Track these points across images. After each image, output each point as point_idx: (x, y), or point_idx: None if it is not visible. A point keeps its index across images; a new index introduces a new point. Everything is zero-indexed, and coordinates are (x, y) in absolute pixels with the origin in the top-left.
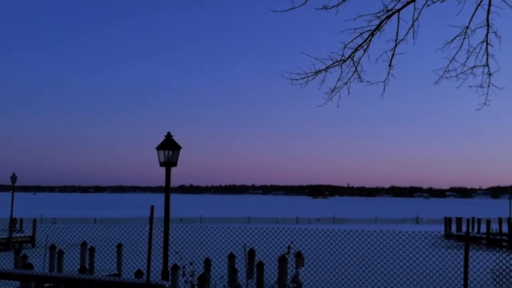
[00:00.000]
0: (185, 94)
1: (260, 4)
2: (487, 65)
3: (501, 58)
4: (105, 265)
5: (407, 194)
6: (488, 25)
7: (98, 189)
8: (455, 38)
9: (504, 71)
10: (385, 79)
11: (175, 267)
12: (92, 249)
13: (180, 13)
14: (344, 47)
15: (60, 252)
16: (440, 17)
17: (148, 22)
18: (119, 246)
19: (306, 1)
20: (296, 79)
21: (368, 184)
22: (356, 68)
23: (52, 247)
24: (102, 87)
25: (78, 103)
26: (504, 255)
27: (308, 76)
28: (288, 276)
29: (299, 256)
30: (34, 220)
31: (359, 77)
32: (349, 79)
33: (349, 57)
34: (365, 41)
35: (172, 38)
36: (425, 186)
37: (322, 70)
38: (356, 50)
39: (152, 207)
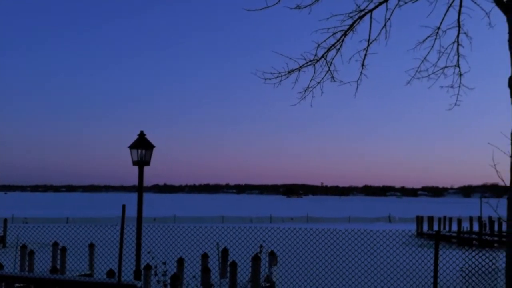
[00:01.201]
0: (158, 93)
1: (234, 3)
2: (458, 65)
3: (472, 59)
4: (77, 265)
5: (380, 193)
6: (459, 26)
7: (70, 188)
8: (426, 38)
9: (474, 72)
10: (358, 79)
11: (148, 267)
12: (63, 249)
13: (154, 14)
14: (317, 47)
15: (31, 252)
16: (412, 17)
17: (123, 23)
18: (91, 246)
19: (279, 0)
20: (270, 79)
21: (342, 184)
22: (329, 67)
23: (23, 247)
24: (75, 87)
25: (50, 102)
26: (473, 253)
27: (282, 76)
28: (262, 276)
29: (272, 255)
30: (5, 220)
31: (332, 77)
32: (322, 78)
33: (322, 56)
34: (338, 41)
35: (146, 38)
36: (398, 185)
37: (296, 69)
38: (329, 49)
39: (123, 206)
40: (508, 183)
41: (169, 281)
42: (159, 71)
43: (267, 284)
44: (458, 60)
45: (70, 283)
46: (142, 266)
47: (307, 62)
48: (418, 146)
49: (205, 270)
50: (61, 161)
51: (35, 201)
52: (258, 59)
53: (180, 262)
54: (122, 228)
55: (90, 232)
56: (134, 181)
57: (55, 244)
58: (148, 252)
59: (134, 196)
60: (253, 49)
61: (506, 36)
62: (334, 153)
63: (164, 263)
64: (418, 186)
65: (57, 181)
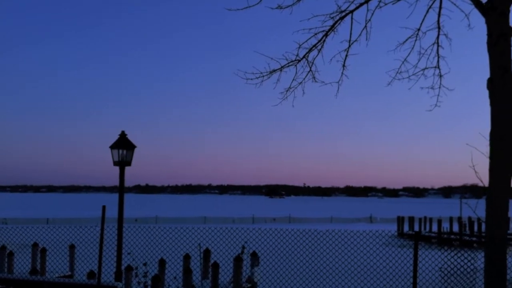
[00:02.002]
0: (140, 94)
1: (215, 2)
2: (438, 67)
3: (452, 60)
4: (57, 266)
5: (362, 194)
6: (439, 28)
7: (51, 188)
8: (407, 39)
9: (454, 73)
10: (339, 80)
11: (129, 268)
12: (43, 250)
13: (135, 12)
14: (299, 47)
15: (11, 254)
16: (393, 19)
17: (104, 23)
18: (72, 247)
19: (260, 0)
20: (251, 79)
21: (324, 184)
22: (310, 68)
23: (2, 248)
24: (56, 86)
25: (30, 102)
26: (452, 253)
27: (263, 76)
28: (244, 276)
29: (254, 256)
30: None
31: (314, 77)
32: (304, 79)
33: (304, 57)
34: (319, 41)
35: (126, 38)
36: (379, 185)
37: (277, 69)
38: (310, 50)
39: (103, 207)
40: (487, 184)
41: (150, 282)
42: (141, 71)
43: (249, 285)
44: (438, 61)
45: (50, 285)
46: (123, 267)
47: (288, 63)
48: (399, 147)
49: (187, 271)
50: (41, 161)
51: (14, 202)
52: (240, 59)
53: (162, 263)
54: (102, 229)
55: (71, 233)
56: (115, 182)
57: (35, 245)
58: (129, 253)
59: (115, 196)
60: (235, 49)
61: (485, 38)
62: (316, 153)
63: (145, 264)
64: (399, 186)
65: (37, 182)
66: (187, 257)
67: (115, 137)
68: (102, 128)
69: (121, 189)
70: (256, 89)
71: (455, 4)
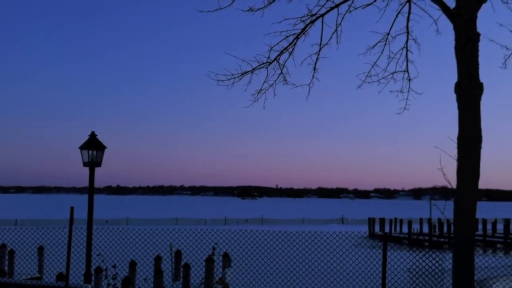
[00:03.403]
0: (110, 94)
1: (187, 3)
2: (407, 71)
3: (420, 65)
4: (26, 268)
5: (334, 195)
6: (408, 32)
7: (19, 189)
8: (376, 44)
9: (423, 77)
10: (310, 82)
11: (99, 270)
12: (11, 252)
13: (107, 13)
14: (270, 50)
15: None
16: (363, 23)
17: (76, 23)
18: (40, 249)
19: (232, 2)
20: (223, 80)
21: (296, 185)
22: (281, 70)
23: None
24: (24, 85)
25: None
26: (420, 254)
27: (235, 78)
28: (215, 277)
29: (226, 257)
30: None
31: (285, 80)
32: (275, 81)
33: (275, 59)
34: (290, 44)
35: (96, 39)
36: (351, 187)
37: (249, 71)
38: (281, 52)
39: (71, 208)
40: (455, 186)
41: (120, 284)
42: (112, 71)
43: (221, 286)
44: (407, 65)
45: (18, 287)
46: (93, 269)
47: (260, 65)
48: (370, 149)
49: (158, 273)
50: (9, 161)
51: None
52: (212, 61)
53: (132, 264)
54: (70, 230)
55: (40, 234)
56: (86, 183)
57: (3, 247)
58: (98, 255)
59: (86, 197)
60: (206, 51)
61: (453, 43)
62: (289, 155)
63: (114, 266)
64: (371, 188)
65: (5, 182)
66: (158, 259)
67: (85, 137)
68: (72, 129)
69: (91, 190)
70: (228, 91)
71: (423, 10)
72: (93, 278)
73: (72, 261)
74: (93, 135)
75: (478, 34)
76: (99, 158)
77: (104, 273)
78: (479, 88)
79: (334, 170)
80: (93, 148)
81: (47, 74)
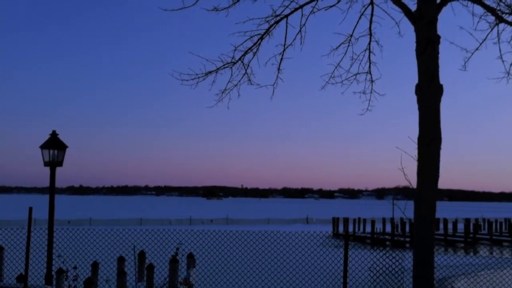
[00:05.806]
0: (73, 93)
1: (150, 2)
2: (369, 72)
3: (383, 66)
4: None
5: (299, 195)
6: (370, 34)
7: None
8: (340, 45)
9: (385, 79)
10: (274, 83)
11: (61, 271)
12: None
13: (73, 15)
14: (235, 50)
15: None
16: (326, 24)
17: (42, 25)
18: (0, 249)
19: (196, 2)
20: (187, 80)
21: (261, 186)
22: (246, 70)
23: None
24: None
25: None
26: (381, 253)
27: (199, 77)
28: (180, 278)
29: (190, 257)
30: None
31: (249, 80)
32: (239, 81)
33: (240, 59)
34: (254, 44)
35: (60, 39)
36: (316, 187)
37: (213, 71)
38: (246, 53)
39: (30, 208)
40: (415, 186)
41: (81, 285)
42: (74, 71)
43: (185, 287)
44: (369, 67)
45: None
46: (55, 271)
47: (224, 65)
48: (334, 149)
49: (121, 274)
50: None
51: None
52: (176, 60)
53: (95, 265)
54: (29, 231)
55: None
56: (47, 183)
57: None
58: (58, 256)
59: (47, 198)
60: (170, 50)
61: (414, 45)
62: (254, 155)
63: (75, 268)
64: (335, 188)
65: None
66: (121, 260)
67: (46, 137)
68: (34, 128)
69: (51, 190)
70: (193, 91)
71: (386, 12)
72: (54, 279)
73: (32, 262)
74: (54, 134)
75: (439, 37)
76: (60, 157)
77: (65, 274)
78: (439, 89)
79: (299, 170)
80: (54, 147)
81: (6, 72)
